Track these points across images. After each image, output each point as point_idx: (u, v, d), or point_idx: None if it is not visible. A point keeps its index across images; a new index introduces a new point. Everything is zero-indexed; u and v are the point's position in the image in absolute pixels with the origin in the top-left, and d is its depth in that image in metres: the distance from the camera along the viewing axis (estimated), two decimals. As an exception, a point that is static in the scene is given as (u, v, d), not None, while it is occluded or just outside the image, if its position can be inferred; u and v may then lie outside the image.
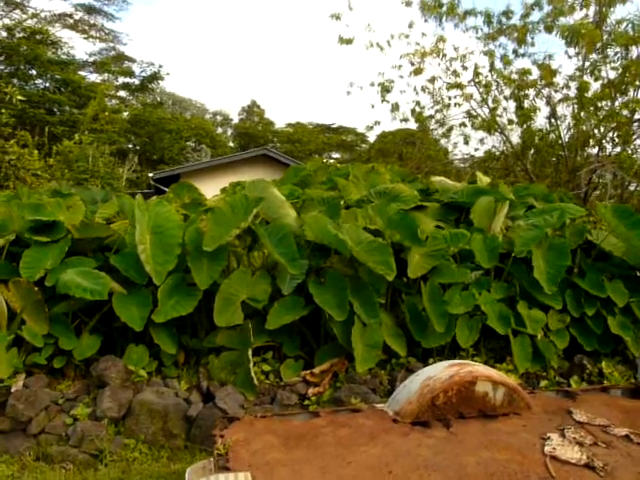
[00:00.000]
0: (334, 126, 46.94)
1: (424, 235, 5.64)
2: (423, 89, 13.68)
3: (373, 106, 13.39)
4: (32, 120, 26.13)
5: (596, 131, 10.28)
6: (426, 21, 13.17)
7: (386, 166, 9.07)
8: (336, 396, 4.54)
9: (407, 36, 13.42)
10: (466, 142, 14.80)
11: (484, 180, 8.30)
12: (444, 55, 12.50)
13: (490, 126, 12.87)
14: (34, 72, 28.66)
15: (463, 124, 14.22)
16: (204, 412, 4.24)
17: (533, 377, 5.31)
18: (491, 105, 13.25)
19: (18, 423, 4.09)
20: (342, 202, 6.02)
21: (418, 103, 13.42)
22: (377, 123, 14.10)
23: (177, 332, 5.10)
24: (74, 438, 4.01)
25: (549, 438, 3.25)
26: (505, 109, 13.18)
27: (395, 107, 13.89)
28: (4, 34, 27.68)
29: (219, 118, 50.21)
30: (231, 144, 44.53)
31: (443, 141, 15.66)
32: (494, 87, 13.17)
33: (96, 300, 4.54)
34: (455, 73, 12.55)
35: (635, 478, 2.85)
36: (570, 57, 11.25)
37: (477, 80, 13.22)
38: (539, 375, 5.32)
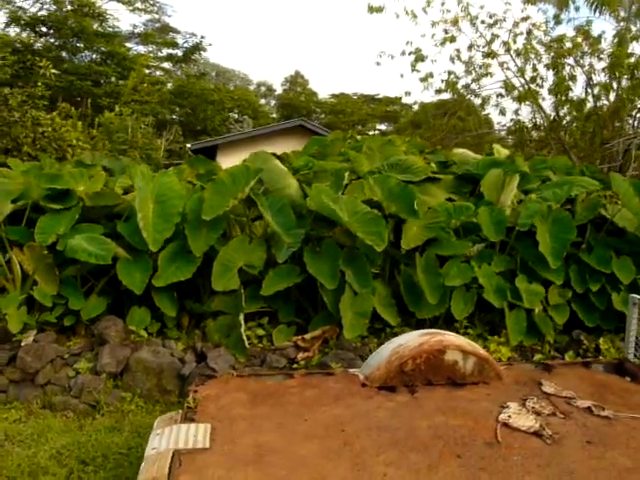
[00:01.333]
0: (379, 97, 46.25)
1: (424, 207, 5.67)
2: (457, 58, 13.38)
3: (402, 76, 13.18)
4: (79, 92, 26.96)
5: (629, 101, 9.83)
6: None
7: (405, 138, 9.02)
8: (323, 361, 4.71)
9: (443, 3, 13.10)
10: (502, 113, 14.42)
11: (502, 152, 8.17)
12: (478, 22, 12.10)
13: (526, 97, 12.49)
14: (81, 45, 29.37)
15: (500, 95, 13.84)
16: (196, 371, 4.49)
17: (528, 351, 5.31)
18: (529, 74, 12.82)
19: (27, 374, 4.47)
20: (347, 174, 6.06)
21: (450, 73, 13.12)
22: (408, 94, 13.89)
23: (181, 296, 5.39)
24: (75, 389, 4.37)
25: (507, 407, 3.34)
26: (542, 79, 12.74)
27: (428, 76, 13.65)
28: (53, 7, 28.42)
29: (263, 89, 50.28)
30: (274, 115, 44.65)
31: (484, 111, 15.33)
32: (532, 56, 12.74)
33: (103, 264, 4.85)
34: (490, 41, 12.15)
35: (581, 447, 2.91)
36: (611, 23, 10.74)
37: (514, 48, 12.80)
38: (534, 349, 5.32)
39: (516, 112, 13.52)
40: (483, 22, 12.73)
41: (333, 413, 3.26)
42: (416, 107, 21.56)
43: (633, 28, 9.82)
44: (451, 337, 3.81)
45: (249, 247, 5.18)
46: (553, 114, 11.80)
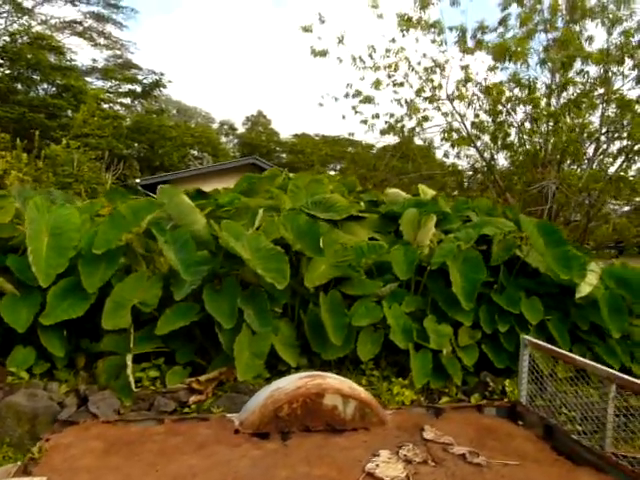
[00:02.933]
0: (340, 138, 46.99)
1: (335, 245, 5.60)
2: (397, 102, 13.68)
3: (344, 117, 13.39)
4: (31, 124, 26.47)
5: (550, 147, 10.18)
6: (403, 36, 13.18)
7: (336, 177, 9.06)
8: (217, 404, 4.47)
9: (387, 50, 13.43)
10: (445, 156, 14.78)
11: (427, 193, 8.26)
12: (419, 67, 12.45)
13: (463, 142, 12.82)
14: (37, 77, 29.07)
15: (444, 138, 14.16)
16: (75, 416, 4.18)
17: (435, 393, 5.18)
18: (470, 119, 13.19)
19: None
20: (261, 211, 5.95)
21: (392, 115, 13.38)
22: (351, 134, 14.12)
23: (78, 335, 5.12)
24: (-63, 438, 4.00)
25: (378, 455, 3.19)
26: (482, 124, 13.10)
27: (373, 117, 13.93)
28: (7, 39, 28.17)
29: (225, 127, 50.58)
30: (234, 153, 44.80)
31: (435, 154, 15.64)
32: (475, 100, 13.12)
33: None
34: (433, 86, 12.48)
35: (442, 498, 2.77)
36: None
37: (454, 94, 13.18)
38: (441, 391, 5.20)
39: (457, 155, 13.83)
40: (425, 69, 13.06)
41: (189, 463, 3.05)
42: (373, 149, 22.03)
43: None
44: (332, 380, 3.67)
45: (146, 284, 4.98)
46: (489, 158, 12.08)
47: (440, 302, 5.63)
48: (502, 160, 12.65)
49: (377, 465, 3.04)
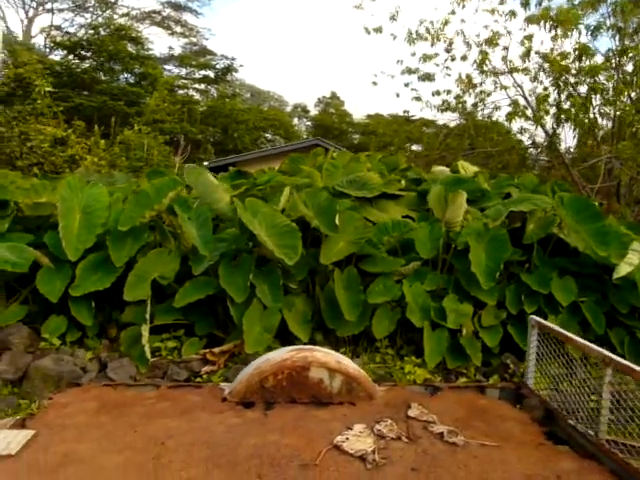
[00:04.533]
0: (414, 118, 46.06)
1: (356, 222, 5.55)
2: (459, 78, 13.16)
3: (398, 95, 13.06)
4: (112, 111, 28.00)
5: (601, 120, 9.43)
6: (463, 7, 12.63)
7: (378, 155, 8.93)
8: (226, 375, 4.62)
9: (447, 22, 12.93)
10: (520, 132, 14.06)
11: (468, 169, 7.97)
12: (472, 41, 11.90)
13: (538, 119, 12.12)
14: (117, 67, 30.65)
15: (510, 114, 13.50)
16: (95, 381, 4.49)
17: (453, 373, 5.05)
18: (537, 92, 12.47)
19: None
20: (287, 189, 6.01)
21: (449, 92, 12.93)
22: (406, 112, 13.76)
23: (111, 306, 5.45)
24: (-27, 394, 4.43)
25: (352, 429, 3.19)
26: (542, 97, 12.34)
27: (435, 94, 13.52)
28: (91, 31, 29.88)
29: (298, 110, 50.96)
30: (307, 135, 45.08)
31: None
32: (542, 74, 12.40)
33: (27, 272, 4.96)
34: (485, 58, 11.89)
35: (401, 473, 2.75)
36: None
37: (522, 67, 12.50)
38: (459, 372, 5.06)
39: (521, 131, 13.16)
40: (485, 41, 12.44)
41: (169, 426, 3.20)
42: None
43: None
44: (318, 354, 3.69)
45: (167, 258, 5.20)
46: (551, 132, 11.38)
47: (463, 281, 5.45)
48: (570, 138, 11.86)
49: (347, 438, 3.04)
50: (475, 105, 14.00)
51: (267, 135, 41.49)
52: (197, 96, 37.74)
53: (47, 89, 12.91)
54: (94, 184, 5.66)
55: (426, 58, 12.04)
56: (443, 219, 6.04)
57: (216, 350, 4.90)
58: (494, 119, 14.26)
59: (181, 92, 35.38)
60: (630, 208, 10.56)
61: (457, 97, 13.54)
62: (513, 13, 11.15)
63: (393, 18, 12.10)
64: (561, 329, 3.75)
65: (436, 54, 12.97)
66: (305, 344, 5.10)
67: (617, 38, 9.82)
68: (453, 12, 12.63)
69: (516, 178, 7.93)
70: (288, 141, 38.56)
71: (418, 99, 12.84)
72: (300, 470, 2.72)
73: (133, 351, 4.81)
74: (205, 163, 21.66)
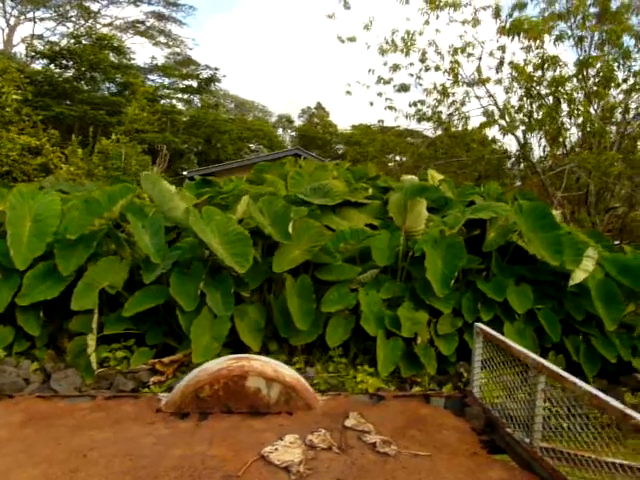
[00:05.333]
0: (387, 127, 46.35)
1: (310, 230, 5.50)
2: (434, 87, 13.24)
3: (372, 104, 13.13)
4: (93, 121, 27.85)
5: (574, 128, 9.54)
6: (437, 17, 12.73)
7: (346, 164, 8.94)
8: (174, 385, 4.52)
9: (421, 33, 13.03)
10: (493, 141, 14.19)
11: (436, 177, 7.98)
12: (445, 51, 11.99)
13: (511, 128, 12.21)
14: (98, 76, 30.54)
15: (483, 124, 13.60)
16: (37, 392, 4.37)
17: (408, 382, 5.01)
18: (505, 102, 12.59)
19: None
20: (245, 197, 5.94)
21: (423, 102, 13.02)
22: (381, 121, 13.83)
23: (63, 317, 5.34)
24: None
25: (283, 439, 3.12)
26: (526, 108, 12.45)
27: (413, 105, 13.60)
28: (72, 41, 29.78)
29: (283, 120, 51.09)
30: (291, 146, 45.17)
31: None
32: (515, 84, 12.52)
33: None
34: (454, 69, 11.99)
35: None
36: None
37: (495, 78, 12.62)
38: (414, 380, 5.01)
39: (493, 140, 13.27)
40: (457, 50, 12.54)
41: (94, 438, 3.11)
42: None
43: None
44: (255, 363, 3.62)
45: (117, 267, 5.11)
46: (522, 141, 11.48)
47: (419, 289, 5.42)
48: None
49: (276, 449, 2.97)
50: (450, 115, 14.10)
51: (251, 145, 41.50)
52: (180, 106, 37.70)
53: (14, 97, 12.75)
54: (46, 192, 5.57)
55: (396, 68, 12.12)
56: (403, 227, 6.01)
57: (165, 360, 4.81)
58: (469, 128, 14.37)
59: (164, 102, 35.33)
60: (599, 217, 10.66)
61: (433, 107, 13.64)
62: (477, 21, 11.26)
63: (367, 28, 12.17)
64: (502, 336, 3.71)
65: (411, 64, 13.08)
66: (257, 353, 5.03)
67: (580, 48, 9.97)
68: (427, 22, 12.74)
69: (482, 186, 7.97)
70: (271, 151, 38.61)
71: (391, 108, 12.89)
72: (221, 482, 2.65)
73: (79, 362, 4.70)
74: (184, 172, 21.60)
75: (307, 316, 5.00)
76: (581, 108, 9.07)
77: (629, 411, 2.37)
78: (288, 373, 3.64)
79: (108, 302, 5.29)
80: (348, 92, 13.32)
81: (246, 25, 74.01)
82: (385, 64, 12.27)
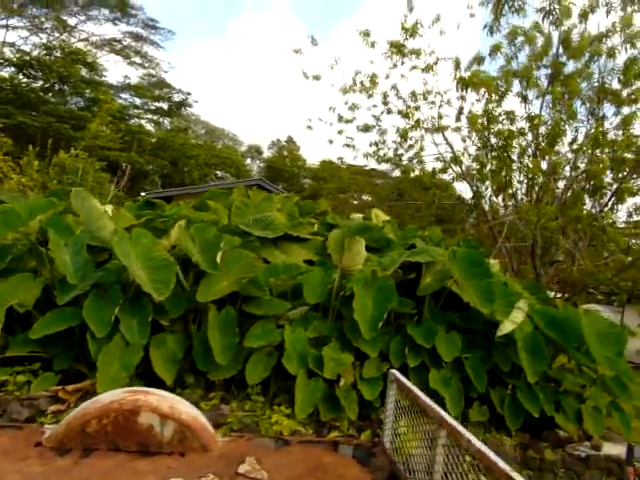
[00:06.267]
0: (366, 168, 47.03)
1: (238, 262, 5.35)
2: (397, 132, 13.45)
3: (331, 142, 13.24)
4: (56, 133, 27.31)
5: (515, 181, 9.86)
6: (403, 63, 13.01)
7: (295, 198, 8.91)
8: (74, 416, 4.24)
9: (387, 77, 13.27)
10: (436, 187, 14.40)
11: (380, 217, 7.99)
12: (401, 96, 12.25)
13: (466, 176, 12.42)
14: (67, 89, 30.14)
15: (440, 170, 13.81)
16: None
17: (326, 426, 4.81)
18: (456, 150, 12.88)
19: None
20: (178, 225, 5.76)
21: (383, 142, 13.18)
22: (340, 159, 13.96)
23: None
24: None
25: (165, 483, 2.88)
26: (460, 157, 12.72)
27: (375, 144, 13.76)
28: (43, 52, 29.41)
29: (252, 151, 51.31)
30: (258, 176, 45.25)
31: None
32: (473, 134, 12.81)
33: None
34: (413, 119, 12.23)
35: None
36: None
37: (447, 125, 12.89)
38: (333, 425, 4.82)
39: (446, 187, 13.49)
40: (417, 97, 12.79)
41: (-46, 472, 2.81)
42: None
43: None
44: (151, 397, 3.40)
45: (30, 285, 4.83)
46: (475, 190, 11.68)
47: (347, 330, 5.29)
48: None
49: (155, 494, 2.74)
50: (410, 159, 14.30)
51: (218, 172, 41.36)
52: (150, 127, 37.45)
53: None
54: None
55: (354, 107, 12.29)
56: (340, 265, 5.92)
57: (69, 388, 4.51)
58: (426, 172, 14.60)
59: (133, 121, 35.03)
60: (544, 269, 10.83)
61: (394, 150, 13.82)
62: (436, 72, 11.57)
63: (331, 67, 12.34)
64: (411, 385, 3.59)
65: (374, 106, 13.28)
66: (172, 386, 4.79)
67: (528, 105, 10.33)
68: (395, 65, 12.99)
69: (426, 231, 7.99)
70: (237, 180, 38.53)
71: (350, 146, 13.00)
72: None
73: (-29, 385, 4.37)
74: (142, 194, 21.22)
75: (227, 350, 4.80)
76: (529, 163, 9.32)
77: (514, 474, 2.26)
78: (185, 410, 3.43)
79: (21, 321, 4.99)
80: (309, 127, 13.41)
81: (227, 54, 74.77)
82: (346, 103, 12.43)
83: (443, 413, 2.98)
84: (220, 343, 4.82)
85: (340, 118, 12.56)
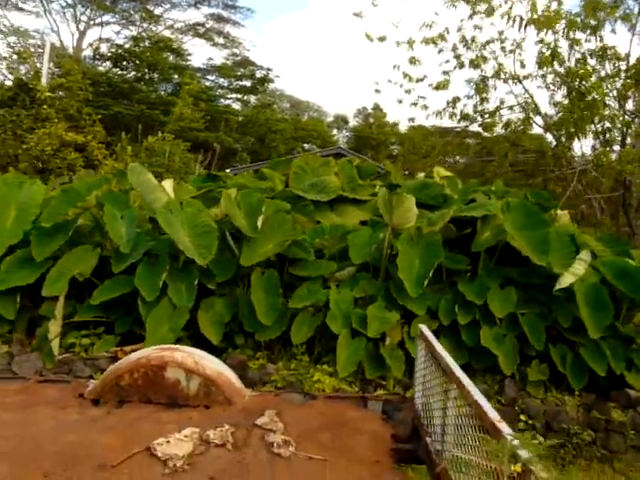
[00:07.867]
0: (457, 129, 45.26)
1: (283, 225, 5.39)
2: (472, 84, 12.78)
3: (400, 101, 12.82)
4: (148, 120, 28.86)
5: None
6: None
7: (355, 161, 8.78)
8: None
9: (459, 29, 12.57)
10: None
11: (441, 174, 7.67)
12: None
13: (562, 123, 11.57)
14: (156, 77, 31.65)
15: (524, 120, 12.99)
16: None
17: (372, 384, 4.77)
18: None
19: None
20: (232, 191, 5.90)
21: (459, 99, 12.61)
22: (411, 120, 13.53)
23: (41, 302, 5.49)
24: None
25: (180, 432, 3.04)
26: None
27: (454, 101, 13.21)
28: (132, 43, 31.01)
29: (339, 121, 51.05)
30: (345, 145, 45.06)
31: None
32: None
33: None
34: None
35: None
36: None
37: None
38: (379, 383, 4.77)
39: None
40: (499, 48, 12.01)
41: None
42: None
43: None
44: (178, 353, 3.56)
45: (90, 255, 5.19)
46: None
47: (393, 289, 5.18)
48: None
49: (167, 442, 2.89)
50: (492, 114, 13.56)
51: (305, 145, 41.66)
52: (237, 106, 38.41)
53: (47, 94, 13.33)
54: (33, 182, 5.74)
55: (414, 61, 11.75)
56: (390, 223, 5.79)
57: (127, 348, 4.82)
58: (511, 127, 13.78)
59: (220, 102, 36.10)
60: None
61: (474, 107, 13.19)
62: (508, 13, 10.72)
63: (396, 26, 11.90)
64: (432, 337, 3.42)
65: (446, 61, 12.69)
66: (223, 347, 5.00)
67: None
68: (471, 17, 12.25)
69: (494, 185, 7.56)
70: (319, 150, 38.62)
71: (415, 104, 12.54)
72: (93, 470, 2.60)
73: (43, 346, 4.81)
74: (227, 170, 21.96)
75: (272, 311, 4.89)
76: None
77: (502, 425, 2.11)
78: (210, 365, 3.56)
79: (88, 289, 5.39)
80: (377, 90, 13.06)
81: (308, 27, 74.48)
82: (413, 60, 11.87)
83: (452, 365, 2.84)
84: (264, 304, 4.91)
85: (409, 78, 12.08)
